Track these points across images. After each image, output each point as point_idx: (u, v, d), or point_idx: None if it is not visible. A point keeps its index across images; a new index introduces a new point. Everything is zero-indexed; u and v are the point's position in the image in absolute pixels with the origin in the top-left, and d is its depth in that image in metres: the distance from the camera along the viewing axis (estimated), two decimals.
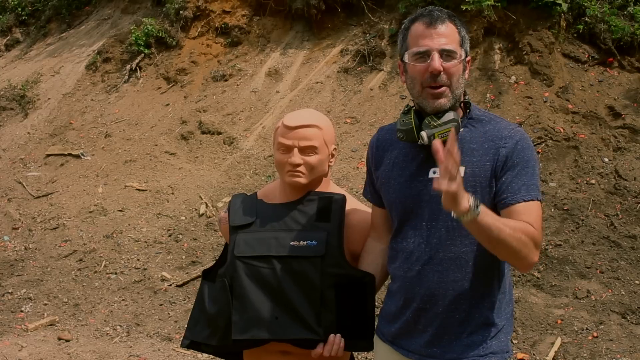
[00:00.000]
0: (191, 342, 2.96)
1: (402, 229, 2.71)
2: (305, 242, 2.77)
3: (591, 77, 8.60)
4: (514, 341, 5.82)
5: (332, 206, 2.85)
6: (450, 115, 2.53)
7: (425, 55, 2.53)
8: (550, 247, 6.68)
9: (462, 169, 2.53)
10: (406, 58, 2.59)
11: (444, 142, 2.51)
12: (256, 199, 3.00)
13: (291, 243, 2.78)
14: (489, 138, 2.59)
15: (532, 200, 2.50)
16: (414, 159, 2.68)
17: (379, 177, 2.81)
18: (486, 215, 2.32)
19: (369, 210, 2.99)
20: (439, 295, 2.61)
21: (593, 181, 7.32)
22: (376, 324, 2.89)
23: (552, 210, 7.05)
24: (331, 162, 2.94)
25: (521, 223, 2.43)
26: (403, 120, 2.63)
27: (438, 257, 2.60)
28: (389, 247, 2.80)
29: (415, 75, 2.56)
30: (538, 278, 6.48)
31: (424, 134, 2.54)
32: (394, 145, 2.78)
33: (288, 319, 2.73)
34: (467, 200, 2.27)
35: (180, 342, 3.19)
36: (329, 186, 3.00)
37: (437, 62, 2.50)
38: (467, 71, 2.64)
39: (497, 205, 2.54)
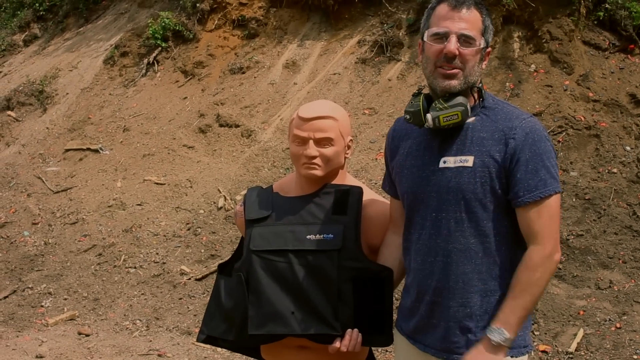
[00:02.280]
0: (207, 337, 2.94)
1: (413, 219, 2.69)
2: (322, 236, 2.73)
3: (612, 65, 8.50)
4: (536, 332, 5.77)
5: (349, 199, 2.80)
6: (458, 100, 2.52)
7: (443, 37, 2.52)
8: (572, 237, 6.61)
9: (470, 159, 2.52)
10: (425, 37, 2.59)
11: (450, 125, 2.49)
12: (272, 192, 2.97)
13: (307, 237, 2.74)
14: (499, 128, 2.54)
15: (550, 195, 2.47)
16: (427, 149, 2.66)
17: (394, 167, 2.80)
18: (509, 323, 2.47)
19: (387, 202, 2.95)
20: (450, 287, 2.58)
21: (615, 170, 7.23)
22: (395, 317, 2.86)
23: (574, 200, 6.97)
24: (347, 153, 2.90)
25: (526, 265, 2.50)
26: (412, 102, 2.63)
27: (447, 248, 2.57)
28: (402, 239, 2.77)
29: (430, 55, 2.56)
30: (560, 269, 6.41)
31: (429, 116, 2.53)
32: (409, 134, 2.76)
33: (305, 313, 2.70)
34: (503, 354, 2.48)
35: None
36: (346, 178, 2.96)
37: (453, 45, 2.49)
38: (485, 62, 2.62)
39: (512, 202, 2.51)
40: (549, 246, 2.47)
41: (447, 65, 2.51)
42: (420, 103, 2.57)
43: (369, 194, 2.92)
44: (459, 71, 2.51)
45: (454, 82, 2.52)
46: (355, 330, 2.71)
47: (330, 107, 2.82)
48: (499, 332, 2.42)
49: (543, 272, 2.46)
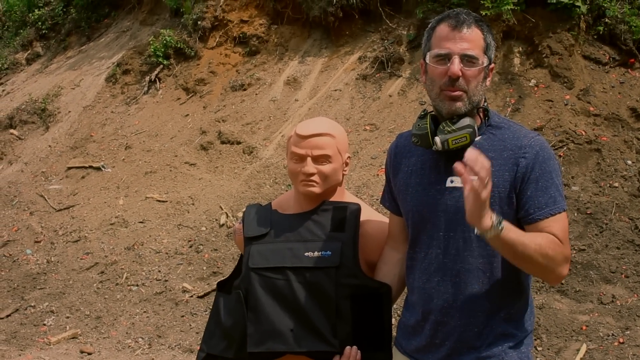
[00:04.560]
0: (207, 355, 2.93)
1: (418, 238, 2.66)
2: (320, 253, 2.73)
3: (612, 79, 8.50)
4: (539, 348, 5.75)
5: (347, 216, 2.81)
6: (465, 121, 2.49)
7: (446, 58, 2.49)
8: (574, 252, 6.59)
9: None
10: (427, 59, 2.56)
11: (458, 149, 2.48)
12: (270, 209, 2.97)
13: (305, 254, 2.74)
14: (507, 147, 2.53)
15: (559, 212, 2.47)
16: (432, 167, 2.64)
17: (397, 184, 2.77)
18: (510, 231, 2.30)
19: (385, 219, 2.95)
20: (457, 307, 2.56)
21: (616, 184, 7.22)
22: (394, 334, 2.85)
23: (575, 214, 6.96)
24: (345, 170, 2.90)
25: (548, 237, 2.41)
26: (419, 125, 2.60)
27: (455, 268, 2.56)
28: (406, 257, 2.75)
29: (435, 77, 2.53)
30: (562, 284, 6.39)
31: (437, 139, 2.51)
32: (412, 152, 2.73)
33: (303, 331, 2.70)
34: (489, 217, 2.25)
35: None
36: (344, 195, 2.96)
37: (456, 66, 2.46)
38: (488, 79, 2.59)
39: (522, 220, 2.50)
40: (567, 249, 2.46)
41: (452, 87, 2.48)
42: (428, 126, 2.55)
43: (367, 211, 2.92)
44: (462, 93, 2.49)
45: (459, 104, 2.50)
46: (354, 347, 2.71)
47: (327, 125, 2.83)
48: (501, 220, 2.29)
49: (554, 256, 2.40)
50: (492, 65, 2.61)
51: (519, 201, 2.49)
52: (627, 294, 6.20)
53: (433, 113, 2.62)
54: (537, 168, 2.47)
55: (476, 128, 2.51)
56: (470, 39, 2.49)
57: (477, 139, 2.55)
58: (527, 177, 2.47)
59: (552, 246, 2.39)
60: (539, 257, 2.36)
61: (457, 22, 2.50)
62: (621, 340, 5.72)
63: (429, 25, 2.62)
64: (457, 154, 2.53)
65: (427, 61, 2.57)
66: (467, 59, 2.48)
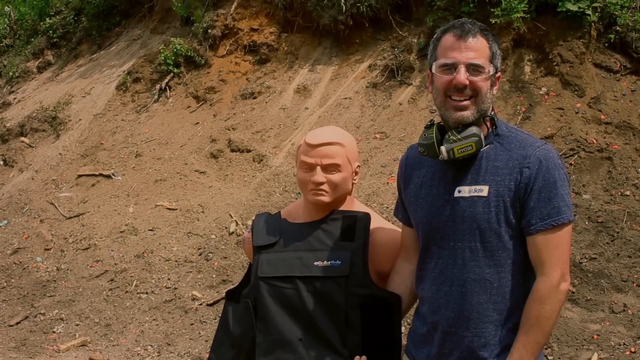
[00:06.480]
0: None
1: (428, 249, 2.67)
2: (329, 262, 2.73)
3: (623, 87, 8.47)
4: (550, 357, 5.72)
5: (357, 225, 2.80)
6: (471, 130, 2.49)
7: (452, 67, 2.51)
8: (585, 260, 6.56)
9: (485, 188, 2.51)
10: (433, 69, 2.57)
11: (464, 158, 2.48)
12: (280, 218, 2.97)
13: (315, 263, 2.73)
14: (513, 156, 2.53)
15: (563, 223, 2.46)
16: (441, 178, 2.65)
17: (408, 196, 2.78)
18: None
19: (395, 228, 2.95)
20: (464, 317, 2.56)
21: (628, 192, 7.19)
22: (405, 343, 2.84)
23: (586, 223, 6.93)
24: (355, 179, 2.90)
25: (534, 298, 2.48)
26: (425, 135, 2.61)
27: (462, 278, 2.56)
28: (416, 268, 2.75)
29: (440, 86, 2.54)
30: (573, 292, 6.36)
31: (443, 148, 2.51)
32: (422, 163, 2.74)
33: (313, 340, 2.69)
34: None
35: None
36: (353, 204, 2.95)
37: (462, 75, 2.47)
38: (495, 87, 2.60)
39: (524, 230, 2.50)
40: (555, 276, 2.46)
41: (458, 95, 2.49)
42: (434, 135, 2.55)
43: (376, 220, 2.91)
44: (470, 102, 2.50)
45: (467, 113, 2.51)
46: (364, 357, 2.70)
47: (337, 133, 2.83)
48: None
49: (552, 304, 2.44)
50: (499, 74, 2.62)
51: (523, 211, 2.49)
52: (639, 303, 6.16)
53: (441, 123, 2.63)
54: (540, 178, 2.47)
55: (482, 137, 2.51)
56: (476, 48, 2.50)
57: (485, 148, 2.55)
58: (530, 188, 2.47)
59: (541, 300, 2.46)
60: (547, 324, 2.46)
61: (462, 32, 2.51)
62: (633, 349, 5.68)
63: (435, 36, 2.64)
64: (466, 164, 2.54)
65: (434, 71, 2.58)
66: (473, 68, 2.49)
